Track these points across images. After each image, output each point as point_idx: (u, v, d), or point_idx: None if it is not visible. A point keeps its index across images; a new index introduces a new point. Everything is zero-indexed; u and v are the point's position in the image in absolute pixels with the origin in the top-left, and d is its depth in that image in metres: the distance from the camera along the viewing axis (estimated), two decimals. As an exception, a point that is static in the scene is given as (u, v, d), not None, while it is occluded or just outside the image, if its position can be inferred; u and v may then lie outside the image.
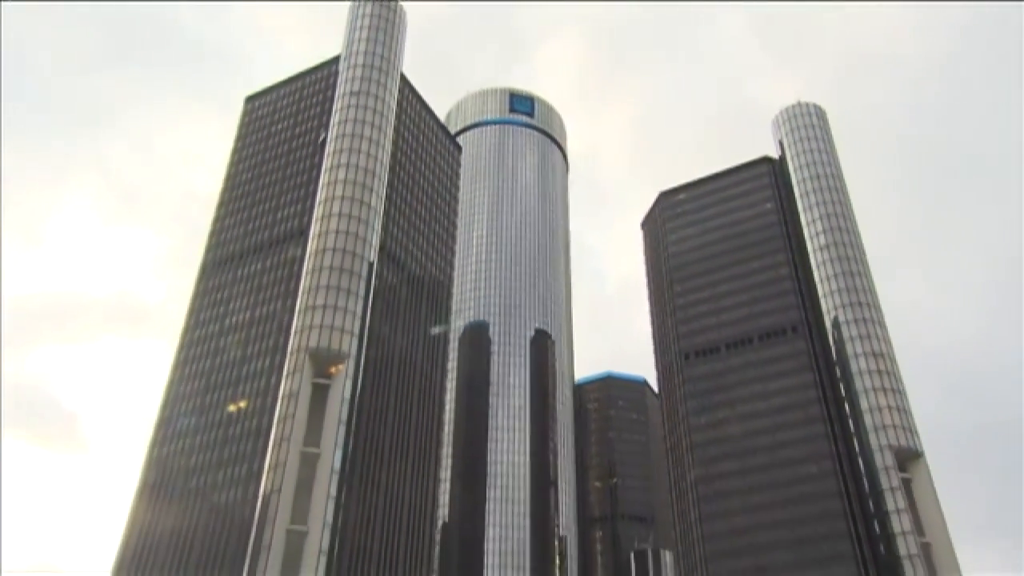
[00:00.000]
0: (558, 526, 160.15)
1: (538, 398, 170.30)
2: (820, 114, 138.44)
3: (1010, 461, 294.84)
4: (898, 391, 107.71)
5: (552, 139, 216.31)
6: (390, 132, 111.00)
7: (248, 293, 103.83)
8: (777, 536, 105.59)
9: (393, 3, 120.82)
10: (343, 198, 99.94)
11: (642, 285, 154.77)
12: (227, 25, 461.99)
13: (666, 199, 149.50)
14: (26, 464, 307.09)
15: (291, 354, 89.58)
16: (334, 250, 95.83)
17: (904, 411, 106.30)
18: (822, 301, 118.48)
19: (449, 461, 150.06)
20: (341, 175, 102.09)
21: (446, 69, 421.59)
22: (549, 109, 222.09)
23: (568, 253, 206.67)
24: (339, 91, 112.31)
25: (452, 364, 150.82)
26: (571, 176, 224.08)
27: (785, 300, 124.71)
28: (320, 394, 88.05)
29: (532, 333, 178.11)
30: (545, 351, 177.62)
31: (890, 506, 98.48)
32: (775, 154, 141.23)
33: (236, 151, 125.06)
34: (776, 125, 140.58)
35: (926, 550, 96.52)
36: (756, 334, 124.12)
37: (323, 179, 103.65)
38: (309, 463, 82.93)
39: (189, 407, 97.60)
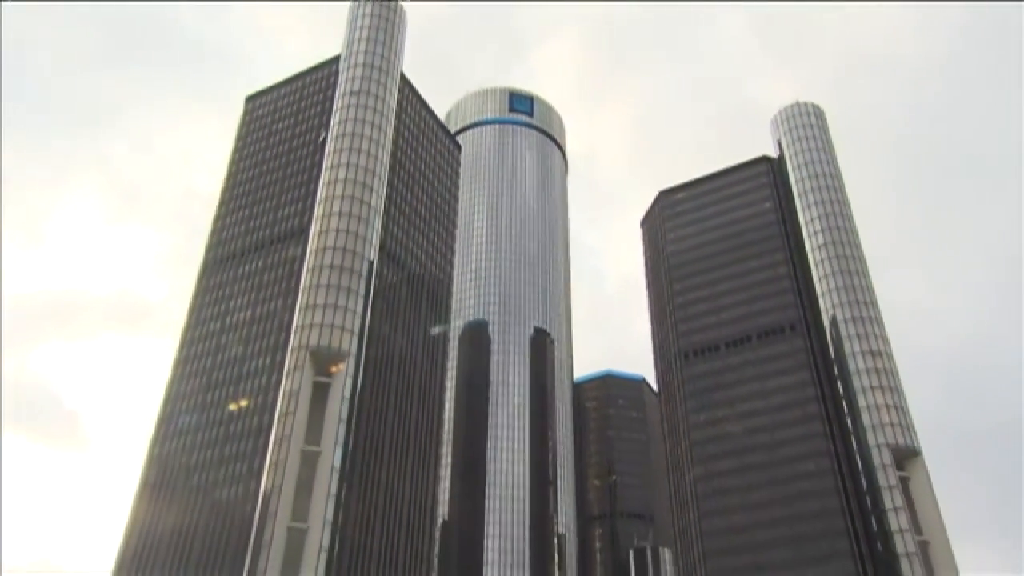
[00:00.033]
0: (557, 524, 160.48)
1: (537, 397, 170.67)
2: (819, 114, 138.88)
3: (1010, 461, 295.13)
4: (896, 389, 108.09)
5: (552, 139, 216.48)
6: (390, 132, 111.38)
7: (249, 291, 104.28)
8: (775, 533, 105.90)
9: (393, 3, 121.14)
10: (343, 197, 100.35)
11: (641, 284, 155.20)
12: (227, 25, 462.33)
13: (665, 198, 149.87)
14: (27, 462, 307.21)
15: (291, 352, 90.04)
16: (334, 249, 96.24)
17: (902, 409, 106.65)
18: (820, 300, 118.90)
19: (449, 459, 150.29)
20: (341, 174, 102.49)
21: (446, 69, 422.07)
22: (549, 109, 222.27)
23: (567, 252, 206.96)
24: (339, 91, 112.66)
25: (452, 363, 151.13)
26: (570, 176, 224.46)
27: (783, 299, 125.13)
28: (320, 392, 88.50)
29: (532, 332, 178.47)
30: (544, 350, 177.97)
31: (888, 504, 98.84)
32: (774, 154, 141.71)
33: (237, 150, 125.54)
34: (775, 125, 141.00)
35: (924, 548, 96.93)
36: (755, 333, 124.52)
37: (323, 178, 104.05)
38: (309, 461, 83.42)
39: (190, 405, 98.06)
